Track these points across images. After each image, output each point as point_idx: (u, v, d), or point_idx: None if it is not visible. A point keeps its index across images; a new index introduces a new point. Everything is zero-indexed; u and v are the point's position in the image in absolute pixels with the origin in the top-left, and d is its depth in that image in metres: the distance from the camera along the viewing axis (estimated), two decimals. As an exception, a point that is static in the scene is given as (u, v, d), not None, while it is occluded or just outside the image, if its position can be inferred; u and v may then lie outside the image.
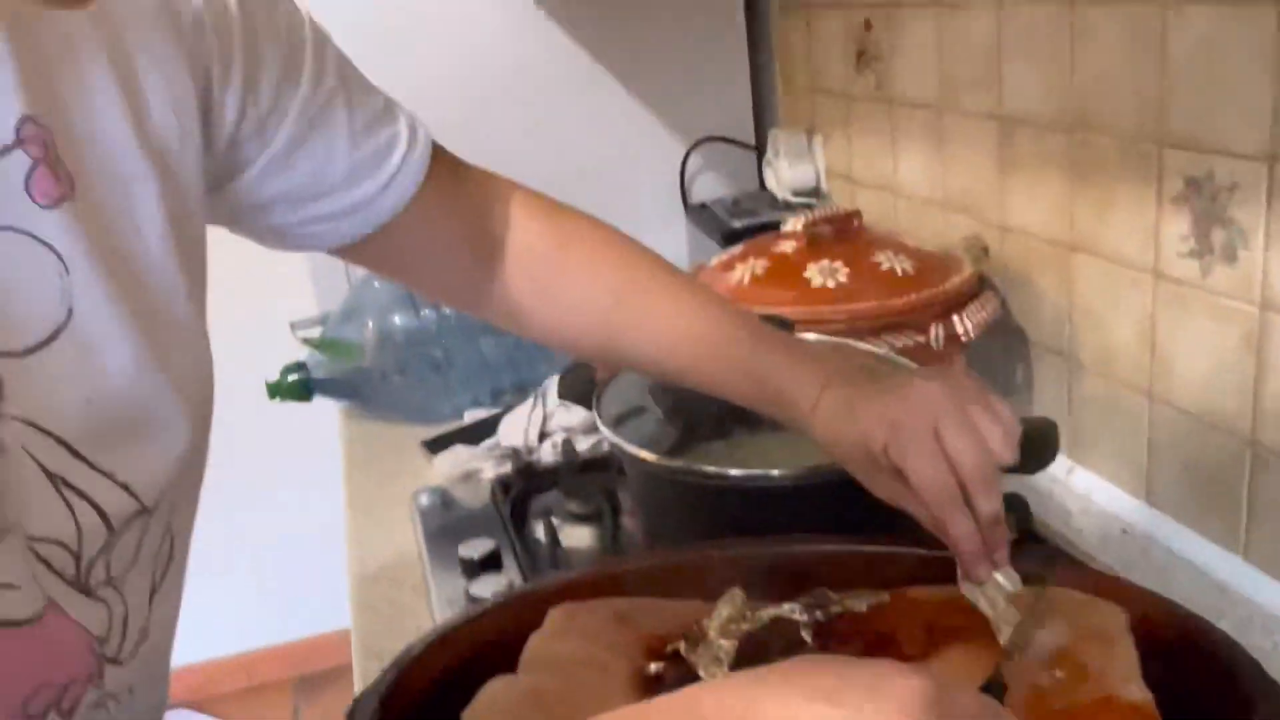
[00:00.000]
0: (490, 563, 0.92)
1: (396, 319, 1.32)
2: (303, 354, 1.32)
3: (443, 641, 0.62)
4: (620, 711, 0.41)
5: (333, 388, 1.32)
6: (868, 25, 1.27)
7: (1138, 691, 0.52)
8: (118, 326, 0.45)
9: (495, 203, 0.71)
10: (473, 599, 0.87)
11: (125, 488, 0.45)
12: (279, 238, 0.63)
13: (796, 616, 0.61)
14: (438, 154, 0.66)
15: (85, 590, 0.44)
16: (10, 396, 0.40)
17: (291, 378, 1.30)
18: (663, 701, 0.40)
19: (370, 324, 1.31)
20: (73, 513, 0.42)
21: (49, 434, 0.41)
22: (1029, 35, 0.98)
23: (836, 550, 0.67)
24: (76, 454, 0.43)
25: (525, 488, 1.04)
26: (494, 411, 1.27)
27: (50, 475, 0.42)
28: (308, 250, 0.64)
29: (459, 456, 1.16)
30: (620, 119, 1.50)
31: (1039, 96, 0.98)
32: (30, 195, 0.42)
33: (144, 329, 0.46)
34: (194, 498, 0.52)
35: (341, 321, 1.33)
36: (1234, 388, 0.81)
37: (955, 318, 0.96)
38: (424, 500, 1.09)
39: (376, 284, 1.35)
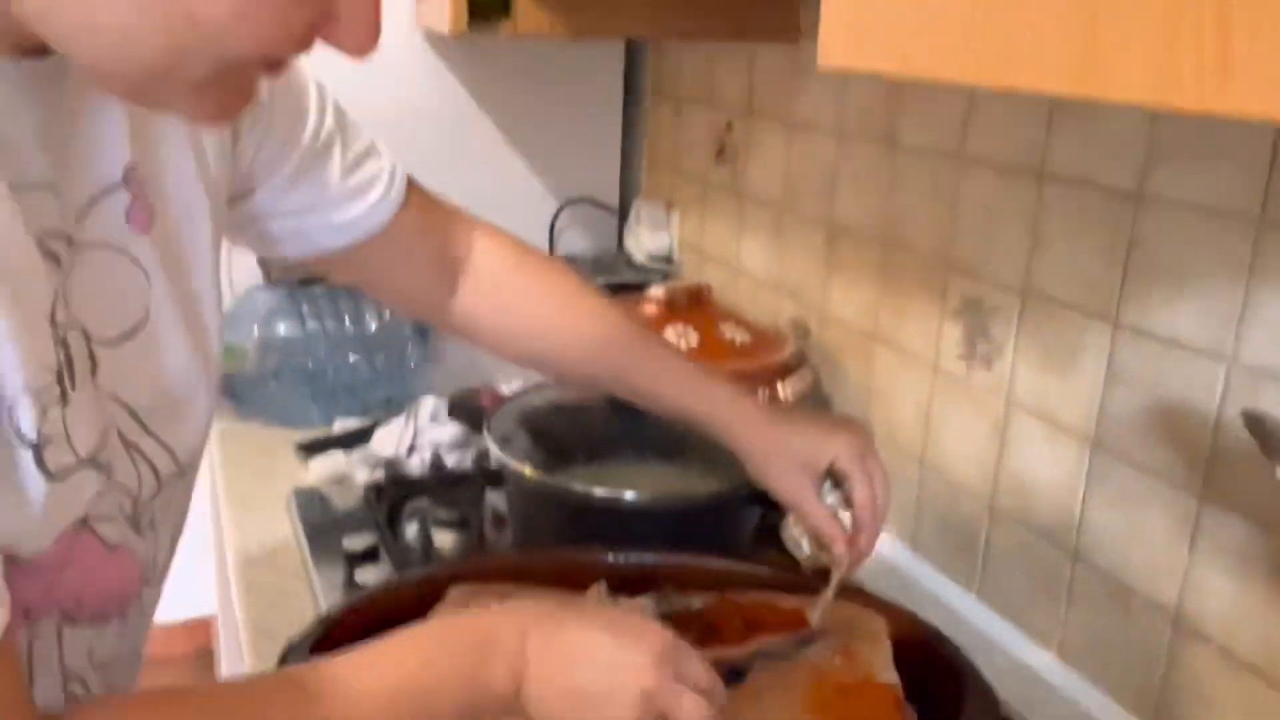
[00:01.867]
0: (369, 555, 1.06)
1: (280, 328, 1.43)
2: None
3: (370, 601, 0.77)
4: (457, 618, 0.63)
5: (211, 386, 1.41)
6: (729, 126, 1.49)
7: (890, 676, 0.72)
8: (178, 328, 0.58)
9: (460, 232, 0.85)
10: (356, 585, 1.01)
11: (171, 453, 0.58)
12: (270, 243, 0.76)
13: (647, 610, 0.79)
14: (414, 187, 0.81)
15: (138, 530, 0.56)
16: (101, 373, 0.52)
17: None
18: (494, 609, 0.63)
19: (255, 330, 1.42)
20: (137, 470, 0.55)
21: (125, 406, 0.54)
22: (860, 164, 1.21)
23: (680, 561, 0.86)
24: (142, 424, 0.55)
25: (399, 494, 1.18)
26: (363, 422, 1.40)
27: (124, 439, 0.54)
28: (290, 255, 0.77)
29: (335, 461, 1.28)
30: (502, 172, 1.66)
31: (862, 213, 1.21)
32: (129, 224, 0.55)
33: (192, 331, 0.59)
34: (199, 466, 0.65)
35: (227, 325, 1.43)
36: (982, 462, 1.05)
37: (779, 385, 1.17)
38: (301, 499, 1.20)
39: (262, 293, 1.45)
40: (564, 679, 0.59)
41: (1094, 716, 0.91)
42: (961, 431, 1.08)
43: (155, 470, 0.57)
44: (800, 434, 0.81)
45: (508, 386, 1.30)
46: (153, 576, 0.60)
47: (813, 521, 0.81)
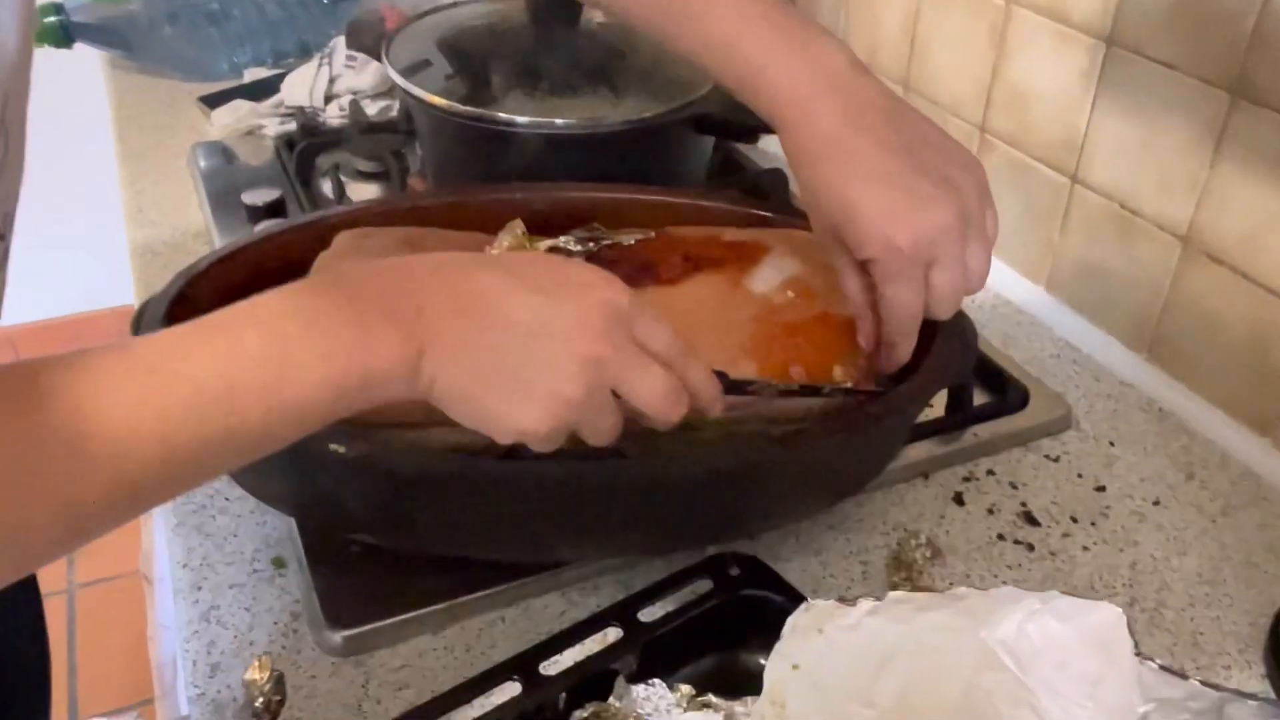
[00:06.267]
0: (275, 210, 0.93)
1: (166, -38, 1.23)
2: (59, -7, 1.21)
3: (230, 257, 0.65)
4: (328, 276, 0.45)
5: (96, 34, 1.23)
6: None
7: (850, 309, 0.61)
8: None
9: None
10: (259, 242, 0.89)
11: None
12: None
13: (570, 246, 0.67)
14: None
15: None
16: None
17: (48, 19, 1.20)
18: (381, 263, 0.45)
19: (134, -35, 1.22)
20: None
21: None
22: None
23: (611, 196, 0.73)
24: None
25: (311, 145, 1.04)
26: (276, 72, 1.23)
27: None
28: None
29: (240, 111, 1.12)
30: None
31: None
32: None
33: None
34: (24, 95, 0.50)
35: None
36: (975, 78, 0.90)
37: None
38: (203, 153, 1.06)
39: (140, -78, 1.23)
40: (481, 346, 0.43)
41: (1085, 350, 0.82)
42: (953, 41, 0.91)
43: None
44: (854, 206, 0.52)
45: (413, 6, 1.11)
46: None
47: (844, 284, 0.57)
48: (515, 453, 0.60)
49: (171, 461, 0.37)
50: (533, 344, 0.44)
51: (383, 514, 0.55)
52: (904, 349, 0.57)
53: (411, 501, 0.54)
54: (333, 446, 0.51)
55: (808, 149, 0.54)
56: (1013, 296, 0.89)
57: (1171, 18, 0.71)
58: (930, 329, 0.62)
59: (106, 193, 1.34)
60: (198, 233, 0.96)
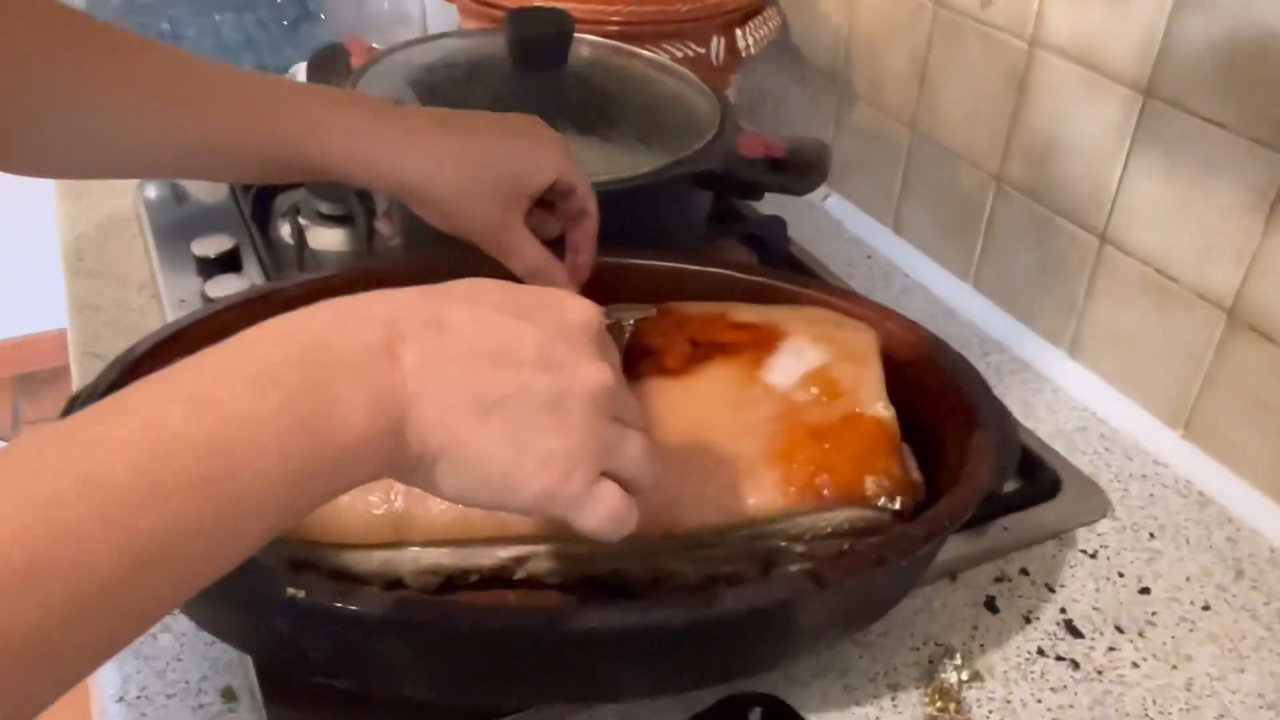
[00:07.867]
0: (229, 262, 0.85)
1: (111, -21, 1.14)
2: (-8, 11, 1.12)
3: (175, 339, 0.57)
4: (274, 324, 0.36)
5: (33, 56, 1.14)
6: None
7: (883, 410, 0.54)
8: None
9: None
10: (209, 300, 0.81)
11: None
12: None
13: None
14: None
15: None
16: None
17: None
18: (348, 300, 0.37)
19: (78, -19, 1.13)
20: None
21: None
22: None
23: (605, 261, 0.66)
24: None
25: (270, 185, 0.95)
26: (232, 98, 1.14)
27: None
28: None
29: (191, 145, 1.04)
30: None
31: None
32: None
33: None
34: None
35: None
36: (992, 123, 0.83)
37: (738, 32, 0.93)
38: (150, 192, 0.98)
39: (84, -66, 1.14)
40: (475, 392, 0.37)
41: (1112, 424, 0.76)
42: (967, 84, 0.85)
43: None
44: (503, 150, 0.60)
45: (382, 40, 1.03)
46: None
47: (530, 264, 0.61)
48: (496, 581, 0.52)
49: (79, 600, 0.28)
50: (537, 381, 0.38)
51: (347, 661, 0.47)
52: (592, 252, 0.64)
53: (379, 647, 0.46)
54: (290, 591, 0.43)
55: (447, 194, 0.59)
56: (1030, 359, 0.82)
57: (1220, 72, 0.65)
58: (969, 424, 0.56)
59: (45, 218, 1.25)
60: (142, 284, 0.87)
